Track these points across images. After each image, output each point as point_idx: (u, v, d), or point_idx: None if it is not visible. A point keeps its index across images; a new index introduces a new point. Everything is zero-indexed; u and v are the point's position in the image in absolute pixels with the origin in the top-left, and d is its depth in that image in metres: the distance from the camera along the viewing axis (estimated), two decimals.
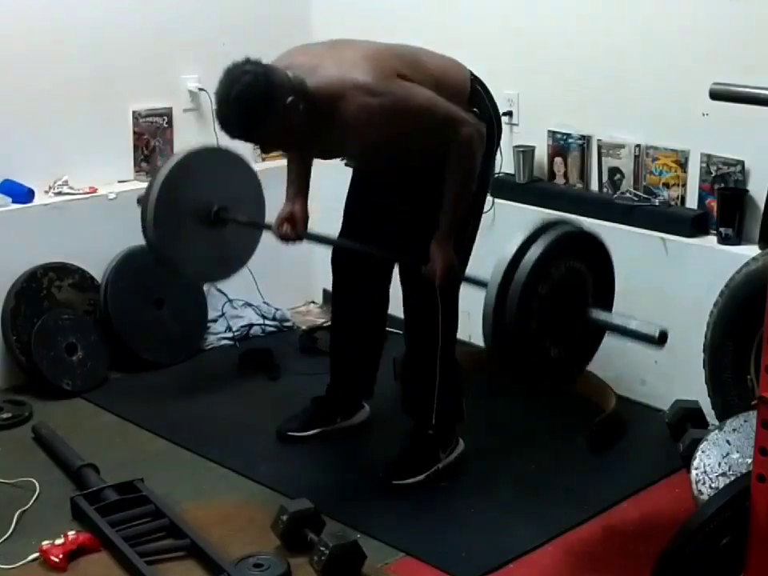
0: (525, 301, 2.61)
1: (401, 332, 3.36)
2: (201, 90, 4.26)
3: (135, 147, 4.20)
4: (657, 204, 3.70)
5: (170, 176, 3.52)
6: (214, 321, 4.35)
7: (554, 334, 2.73)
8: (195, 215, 3.58)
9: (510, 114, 3.99)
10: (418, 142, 2.96)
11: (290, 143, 3.00)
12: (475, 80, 3.14)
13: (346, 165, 3.45)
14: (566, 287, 2.71)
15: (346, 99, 2.81)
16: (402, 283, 3.25)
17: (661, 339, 2.67)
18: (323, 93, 2.84)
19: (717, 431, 2.80)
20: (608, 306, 2.84)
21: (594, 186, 3.90)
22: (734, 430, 2.77)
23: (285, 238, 3.30)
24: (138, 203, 3.55)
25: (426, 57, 3.08)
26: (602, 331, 2.84)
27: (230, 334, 4.33)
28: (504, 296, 2.61)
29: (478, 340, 4.12)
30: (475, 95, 3.11)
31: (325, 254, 3.47)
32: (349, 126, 2.85)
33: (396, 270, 3.33)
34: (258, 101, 2.77)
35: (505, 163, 4.02)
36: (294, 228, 3.27)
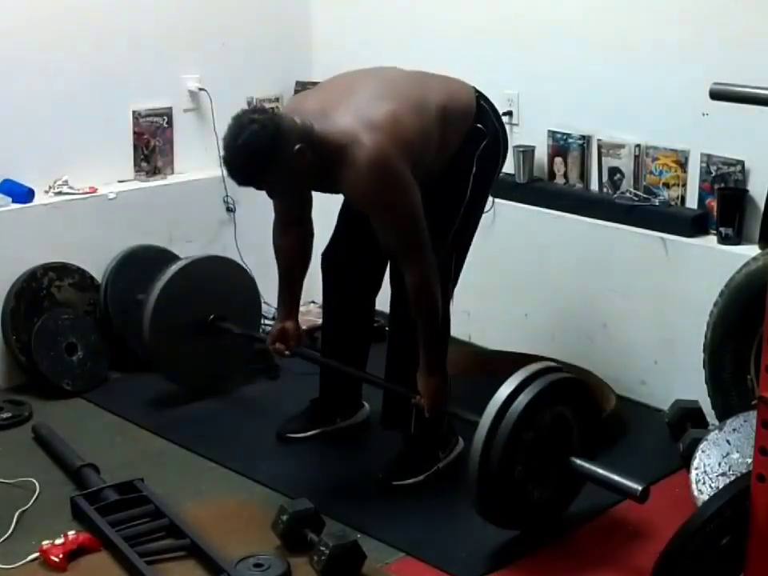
0: (510, 449, 2.71)
1: None
2: (201, 89, 4.26)
3: (135, 147, 4.20)
4: (657, 204, 3.70)
5: (168, 284, 3.68)
6: None
7: (537, 480, 2.82)
8: (191, 323, 3.73)
9: (510, 114, 3.99)
10: (387, 236, 2.97)
11: (297, 188, 3.03)
12: (480, 96, 3.16)
13: None
14: (551, 435, 2.81)
15: (348, 158, 2.82)
16: (392, 285, 3.26)
17: (642, 496, 2.74)
18: (331, 141, 2.85)
19: (717, 431, 2.80)
20: (591, 454, 2.91)
21: (594, 186, 3.90)
22: (734, 430, 2.77)
23: (278, 353, 3.40)
24: (136, 303, 3.69)
25: (431, 88, 3.08)
26: (585, 479, 2.91)
27: None
28: (491, 442, 2.71)
29: (478, 340, 4.16)
30: (481, 112, 3.13)
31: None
32: (343, 181, 2.88)
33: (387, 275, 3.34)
34: (265, 149, 2.77)
35: (505, 163, 4.03)
36: (287, 345, 3.34)
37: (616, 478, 2.79)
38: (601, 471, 2.82)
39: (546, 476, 2.84)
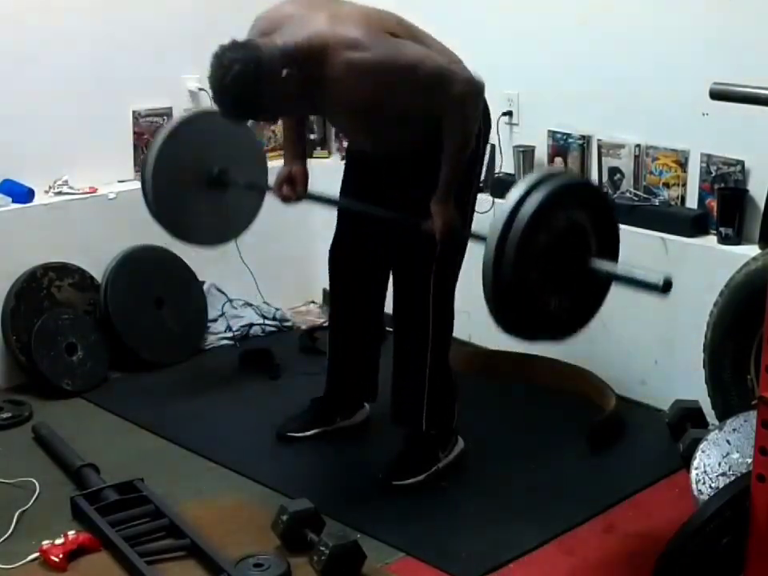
0: (523, 251, 2.54)
1: None
2: (201, 89, 4.25)
3: (135, 147, 4.20)
4: (657, 204, 3.70)
5: (168, 139, 3.50)
6: (214, 321, 4.35)
7: (556, 285, 2.65)
8: (196, 178, 3.55)
9: (510, 113, 3.99)
10: (409, 102, 2.91)
11: (289, 110, 3.01)
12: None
13: (347, 149, 3.45)
14: (567, 237, 2.64)
15: (333, 54, 2.80)
16: (394, 282, 3.25)
17: (665, 287, 2.59)
18: (308, 47, 2.83)
19: (717, 431, 2.80)
20: (613, 256, 2.75)
21: None
22: (734, 430, 2.77)
23: (285, 200, 3.29)
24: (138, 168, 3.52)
25: (428, 39, 3.05)
26: (607, 283, 2.76)
27: (230, 334, 4.33)
28: (502, 248, 2.54)
29: (479, 340, 4.16)
30: None
31: (324, 253, 3.46)
32: (336, 81, 2.84)
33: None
34: (252, 85, 2.78)
35: (505, 163, 4.03)
36: (294, 189, 3.26)
37: (637, 271, 2.65)
38: (620, 269, 2.68)
39: (563, 283, 2.67)
